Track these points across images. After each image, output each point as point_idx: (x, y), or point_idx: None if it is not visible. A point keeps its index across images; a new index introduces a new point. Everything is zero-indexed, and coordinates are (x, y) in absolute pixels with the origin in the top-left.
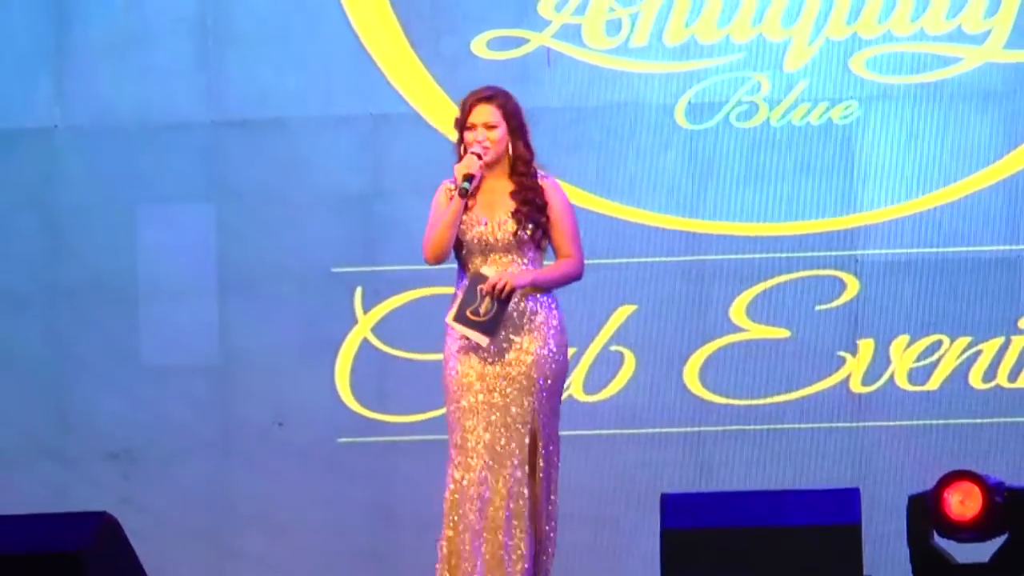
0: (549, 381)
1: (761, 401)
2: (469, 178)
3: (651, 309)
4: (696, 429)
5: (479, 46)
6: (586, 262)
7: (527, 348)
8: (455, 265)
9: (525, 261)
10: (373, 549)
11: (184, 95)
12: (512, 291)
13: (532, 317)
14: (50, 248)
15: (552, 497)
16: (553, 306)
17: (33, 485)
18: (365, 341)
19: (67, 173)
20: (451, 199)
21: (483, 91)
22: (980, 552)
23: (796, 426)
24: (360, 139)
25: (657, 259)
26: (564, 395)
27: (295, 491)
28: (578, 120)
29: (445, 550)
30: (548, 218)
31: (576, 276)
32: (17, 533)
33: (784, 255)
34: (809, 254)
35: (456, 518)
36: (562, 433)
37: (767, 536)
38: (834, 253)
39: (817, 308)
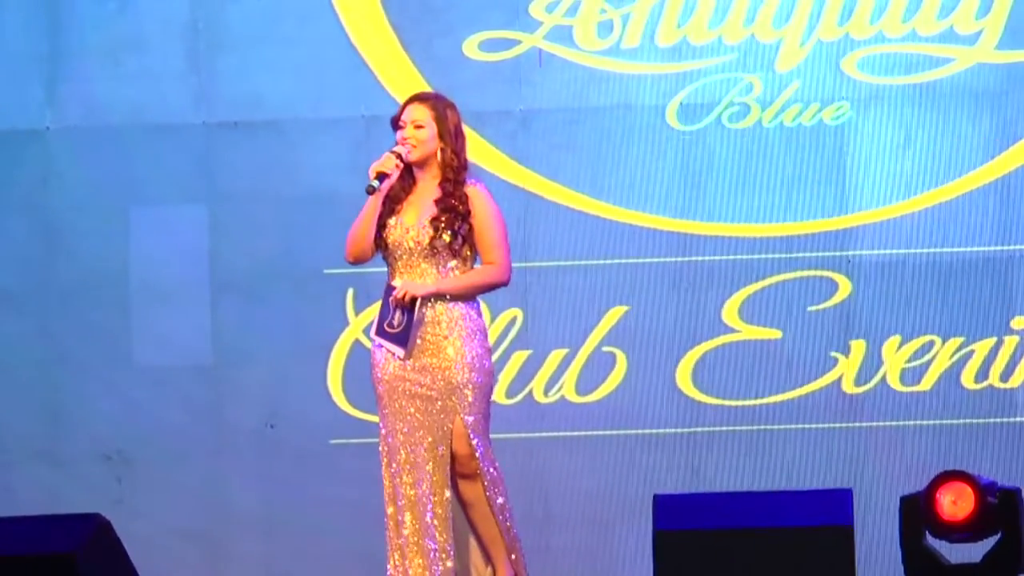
0: (470, 385)
1: (753, 402)
2: (381, 176)
3: (643, 310)
4: (688, 430)
5: (471, 47)
6: (580, 263)
7: (445, 354)
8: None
9: (444, 268)
10: (366, 550)
11: (176, 97)
12: (413, 300)
13: (451, 323)
14: (42, 249)
15: (499, 500)
16: (472, 312)
17: (25, 487)
18: (357, 342)
19: (59, 175)
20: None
21: (421, 93)
22: (972, 553)
23: (788, 427)
24: (352, 141)
25: (649, 260)
26: (556, 396)
27: (287, 492)
28: (570, 121)
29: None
30: (470, 226)
31: (498, 282)
32: (9, 535)
33: (776, 256)
34: (801, 255)
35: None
36: (556, 434)
37: (760, 537)
38: (826, 254)
39: (809, 309)
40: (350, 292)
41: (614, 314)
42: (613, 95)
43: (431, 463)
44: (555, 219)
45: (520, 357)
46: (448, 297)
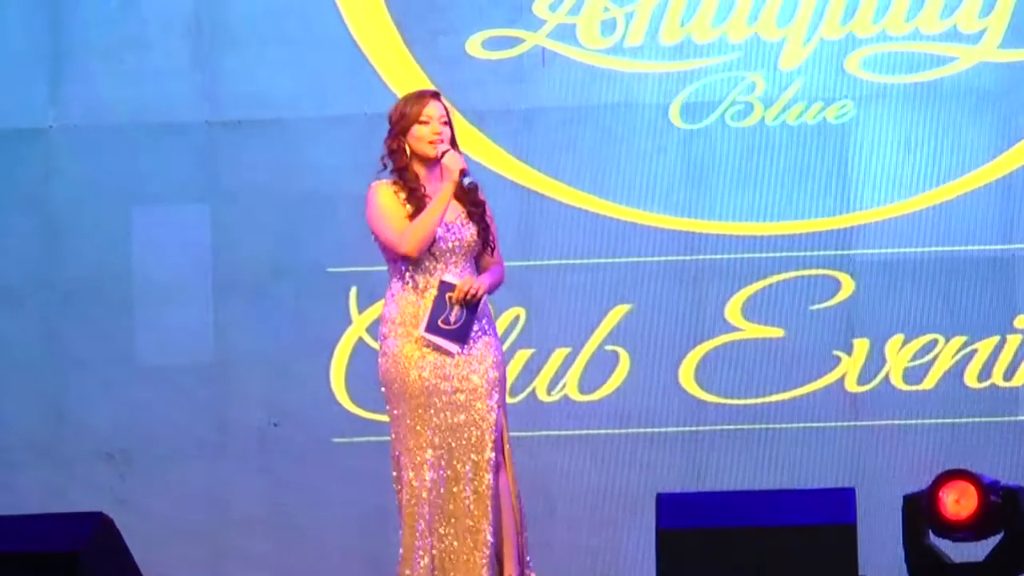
0: (502, 379)
1: (756, 401)
2: (464, 172)
3: (646, 309)
4: (691, 429)
5: (474, 46)
6: (582, 261)
7: (486, 348)
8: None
9: (474, 264)
10: (368, 549)
11: (179, 95)
12: (481, 296)
13: (488, 319)
14: (45, 248)
15: (519, 500)
16: (489, 309)
17: (28, 485)
18: (360, 341)
19: (62, 173)
20: (418, 199)
21: (430, 90)
22: (975, 551)
23: (791, 426)
24: (355, 139)
25: (652, 259)
26: (559, 395)
27: (290, 491)
28: (573, 120)
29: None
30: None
31: (503, 280)
32: (12, 533)
33: (779, 255)
34: (804, 253)
35: (413, 517)
36: (559, 432)
37: (763, 536)
38: (829, 252)
39: (812, 308)
40: (353, 290)
41: (617, 313)
42: (616, 93)
43: (468, 459)
44: (558, 218)
45: (523, 356)
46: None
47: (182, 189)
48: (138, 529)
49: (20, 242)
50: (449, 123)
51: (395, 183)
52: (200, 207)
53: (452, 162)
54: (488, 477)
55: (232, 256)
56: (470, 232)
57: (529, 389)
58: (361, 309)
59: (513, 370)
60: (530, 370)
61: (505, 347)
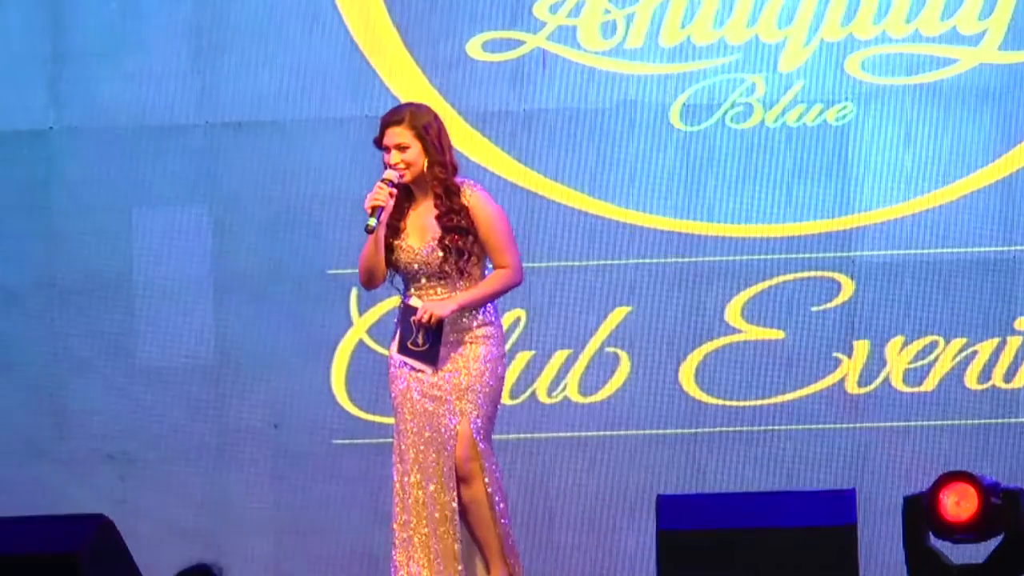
0: (478, 387)
1: (757, 402)
2: (377, 210)
3: (646, 310)
4: (692, 430)
5: (474, 48)
6: (583, 263)
7: (460, 356)
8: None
9: (455, 285)
10: (368, 550)
11: (179, 97)
12: (440, 321)
13: (466, 328)
14: (45, 250)
15: (500, 506)
16: (488, 316)
17: (29, 487)
18: (360, 343)
19: (63, 175)
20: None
21: (392, 113)
22: (976, 553)
23: (792, 427)
24: (355, 141)
25: (653, 260)
26: (559, 397)
27: (290, 492)
28: (573, 122)
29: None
30: (475, 237)
31: (513, 284)
32: (13, 535)
33: (779, 256)
34: (804, 255)
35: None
36: (559, 434)
37: (763, 537)
38: (829, 254)
39: (812, 309)
40: (353, 292)
41: (617, 314)
42: (616, 95)
43: (437, 464)
44: (558, 219)
45: (523, 358)
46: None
47: (182, 191)
48: (138, 530)
49: (21, 243)
50: (416, 141)
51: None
52: (200, 209)
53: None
54: (451, 485)
55: (232, 258)
56: (436, 257)
57: (530, 391)
58: (361, 311)
59: (514, 372)
60: (531, 372)
61: (506, 349)
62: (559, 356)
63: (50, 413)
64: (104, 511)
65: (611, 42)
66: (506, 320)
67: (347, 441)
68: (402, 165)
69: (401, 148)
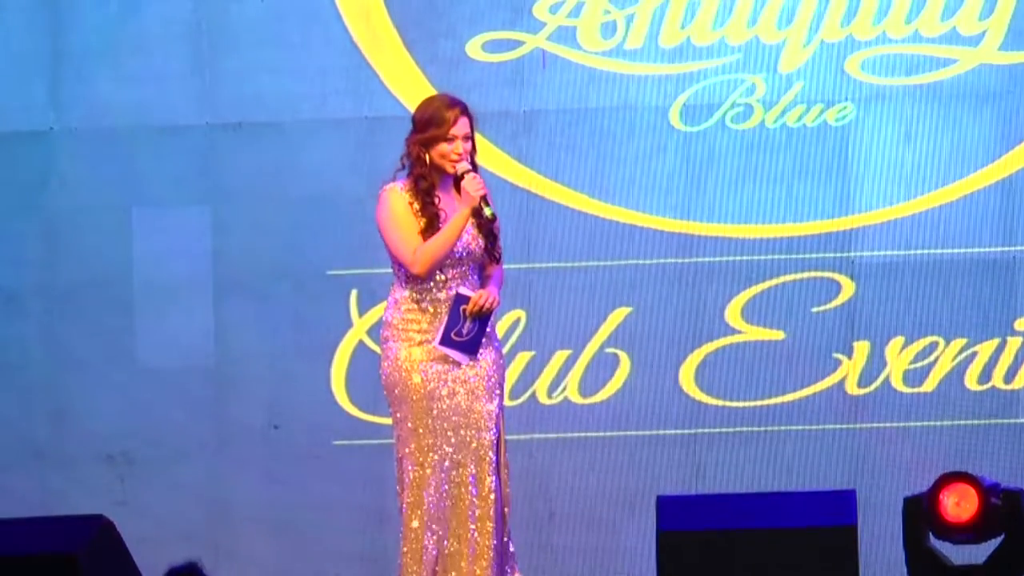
0: (499, 383)
1: (757, 403)
2: (487, 198)
3: (646, 311)
4: (692, 431)
5: (474, 48)
6: (583, 264)
7: (489, 353)
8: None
9: (482, 273)
10: (368, 551)
11: (179, 98)
12: (495, 308)
13: (491, 323)
14: (45, 250)
15: (505, 509)
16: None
17: (29, 488)
18: (360, 343)
19: (62, 176)
20: (431, 212)
21: (459, 102)
22: (976, 554)
23: (792, 428)
24: (355, 142)
25: (652, 261)
26: (560, 397)
27: (290, 493)
28: (573, 122)
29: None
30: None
31: (504, 282)
32: (13, 536)
33: (779, 257)
34: (805, 256)
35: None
36: (559, 435)
37: (763, 538)
38: (830, 255)
39: (813, 310)
40: (353, 293)
41: (617, 315)
42: (616, 96)
43: (476, 456)
44: (558, 220)
45: (523, 358)
46: None
47: (182, 191)
48: (138, 531)
49: (21, 244)
50: (471, 136)
51: (409, 189)
52: (200, 209)
53: (472, 187)
54: (491, 480)
55: (232, 258)
56: (478, 244)
57: (530, 391)
58: (362, 312)
59: (514, 372)
60: (531, 372)
61: (505, 350)
62: (559, 357)
63: (49, 413)
64: (104, 512)
65: (611, 42)
66: (506, 320)
67: (347, 442)
68: (466, 155)
69: (467, 139)
